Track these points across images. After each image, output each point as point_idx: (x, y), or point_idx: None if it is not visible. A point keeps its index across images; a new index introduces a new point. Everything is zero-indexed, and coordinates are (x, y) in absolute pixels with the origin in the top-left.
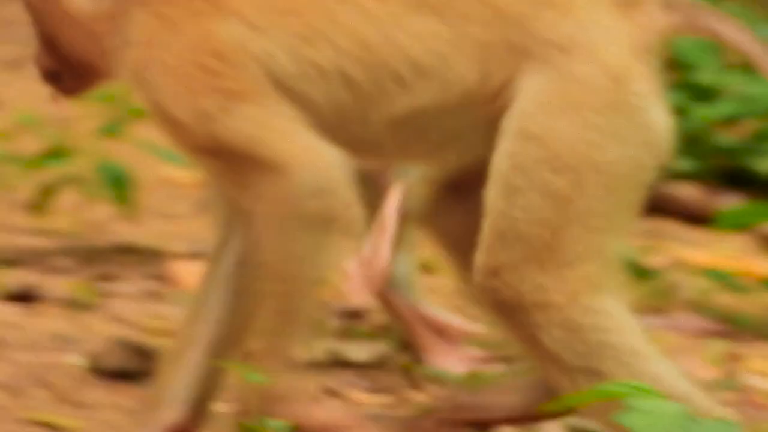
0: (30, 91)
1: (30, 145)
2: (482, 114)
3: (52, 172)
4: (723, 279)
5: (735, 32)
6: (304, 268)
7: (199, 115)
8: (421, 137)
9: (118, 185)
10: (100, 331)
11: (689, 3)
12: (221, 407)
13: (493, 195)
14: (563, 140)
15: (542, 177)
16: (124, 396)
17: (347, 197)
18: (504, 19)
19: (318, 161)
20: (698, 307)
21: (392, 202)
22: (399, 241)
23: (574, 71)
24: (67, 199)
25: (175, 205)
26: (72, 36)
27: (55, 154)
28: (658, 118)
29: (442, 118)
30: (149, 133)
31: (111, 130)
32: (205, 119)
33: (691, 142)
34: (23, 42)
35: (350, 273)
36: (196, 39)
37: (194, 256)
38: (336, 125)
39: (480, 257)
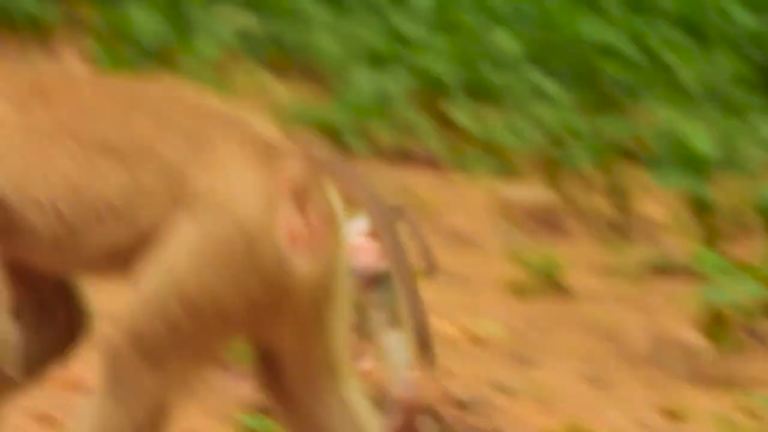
0: None
1: None
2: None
3: None
4: None
5: (360, 187)
6: None
7: None
8: (125, 262)
9: None
10: None
11: (328, 155)
12: None
13: (131, 301)
14: (195, 285)
15: (170, 311)
16: None
17: (13, 366)
18: (164, 168)
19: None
20: None
21: None
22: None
23: (213, 226)
24: None
25: None
26: None
27: None
28: (294, 264)
29: (129, 249)
30: None
31: None
32: None
33: None
34: None
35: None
36: None
37: None
38: (56, 253)
39: (109, 337)
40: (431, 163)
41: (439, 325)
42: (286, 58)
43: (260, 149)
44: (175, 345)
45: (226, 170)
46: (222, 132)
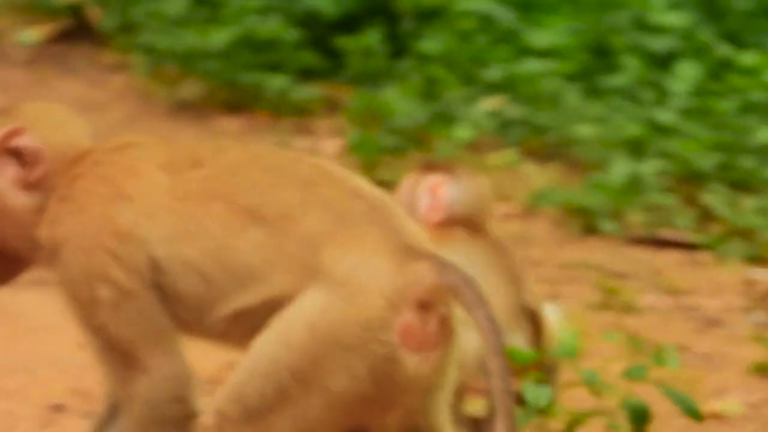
0: None
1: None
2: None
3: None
4: None
5: (481, 314)
6: None
7: (95, 300)
8: (248, 328)
9: (639, 420)
10: None
11: (460, 273)
12: None
13: (243, 362)
14: (305, 356)
15: (278, 375)
16: None
17: (196, 402)
18: (305, 239)
19: (179, 371)
20: None
21: None
22: None
23: (335, 306)
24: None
25: None
26: (5, 228)
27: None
28: (403, 362)
29: (256, 316)
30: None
31: (635, 374)
32: (98, 305)
33: None
34: None
35: None
36: (100, 220)
37: None
38: (192, 316)
39: (215, 399)
40: (682, 246)
41: None
42: (539, 142)
43: (399, 245)
44: (281, 413)
45: (361, 255)
46: (368, 218)
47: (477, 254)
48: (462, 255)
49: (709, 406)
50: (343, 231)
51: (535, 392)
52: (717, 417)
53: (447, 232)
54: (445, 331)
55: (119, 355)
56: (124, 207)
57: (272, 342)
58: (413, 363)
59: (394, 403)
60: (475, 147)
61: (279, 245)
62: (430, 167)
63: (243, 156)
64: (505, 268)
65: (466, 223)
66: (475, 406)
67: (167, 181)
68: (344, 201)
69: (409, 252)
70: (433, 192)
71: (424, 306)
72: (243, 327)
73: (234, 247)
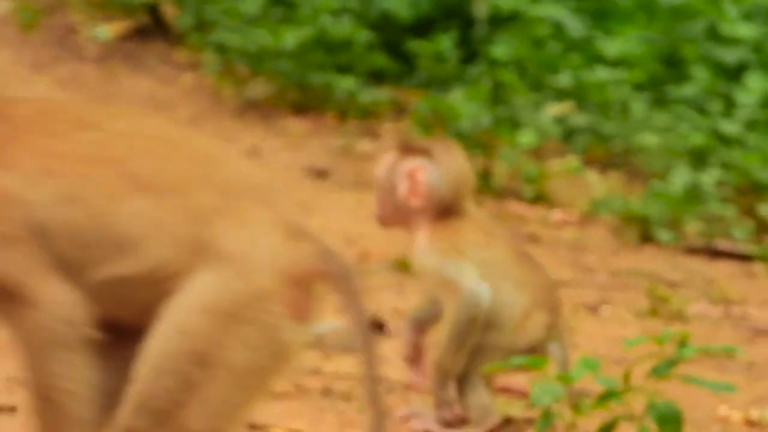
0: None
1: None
2: (162, 290)
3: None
4: None
5: (355, 308)
6: (63, 382)
7: None
8: (119, 298)
9: (669, 423)
10: None
11: (341, 263)
12: None
13: (140, 369)
14: (205, 339)
15: (182, 366)
16: None
17: (85, 324)
18: (193, 213)
19: (66, 297)
20: None
21: None
22: None
23: (230, 282)
24: None
25: None
26: None
27: (613, 393)
28: (289, 335)
29: (135, 287)
30: (702, 371)
31: (662, 371)
32: None
33: None
34: None
35: None
36: None
37: None
38: (69, 274)
39: (120, 418)
40: (737, 257)
41: (724, 410)
42: (603, 150)
43: (288, 225)
44: (191, 405)
45: (254, 231)
46: (259, 197)
47: (498, 260)
48: (483, 261)
49: (748, 413)
50: (234, 208)
51: (541, 390)
52: (755, 425)
53: (454, 232)
54: (314, 307)
55: (5, 293)
56: (5, 174)
57: (169, 336)
58: (296, 333)
59: (281, 374)
60: (538, 153)
61: (165, 217)
62: (407, 150)
63: (136, 124)
64: (527, 267)
65: (449, 205)
66: (512, 407)
67: (52, 145)
68: (236, 179)
69: (297, 231)
70: (411, 177)
71: (305, 281)
72: (119, 295)
73: (116, 213)
